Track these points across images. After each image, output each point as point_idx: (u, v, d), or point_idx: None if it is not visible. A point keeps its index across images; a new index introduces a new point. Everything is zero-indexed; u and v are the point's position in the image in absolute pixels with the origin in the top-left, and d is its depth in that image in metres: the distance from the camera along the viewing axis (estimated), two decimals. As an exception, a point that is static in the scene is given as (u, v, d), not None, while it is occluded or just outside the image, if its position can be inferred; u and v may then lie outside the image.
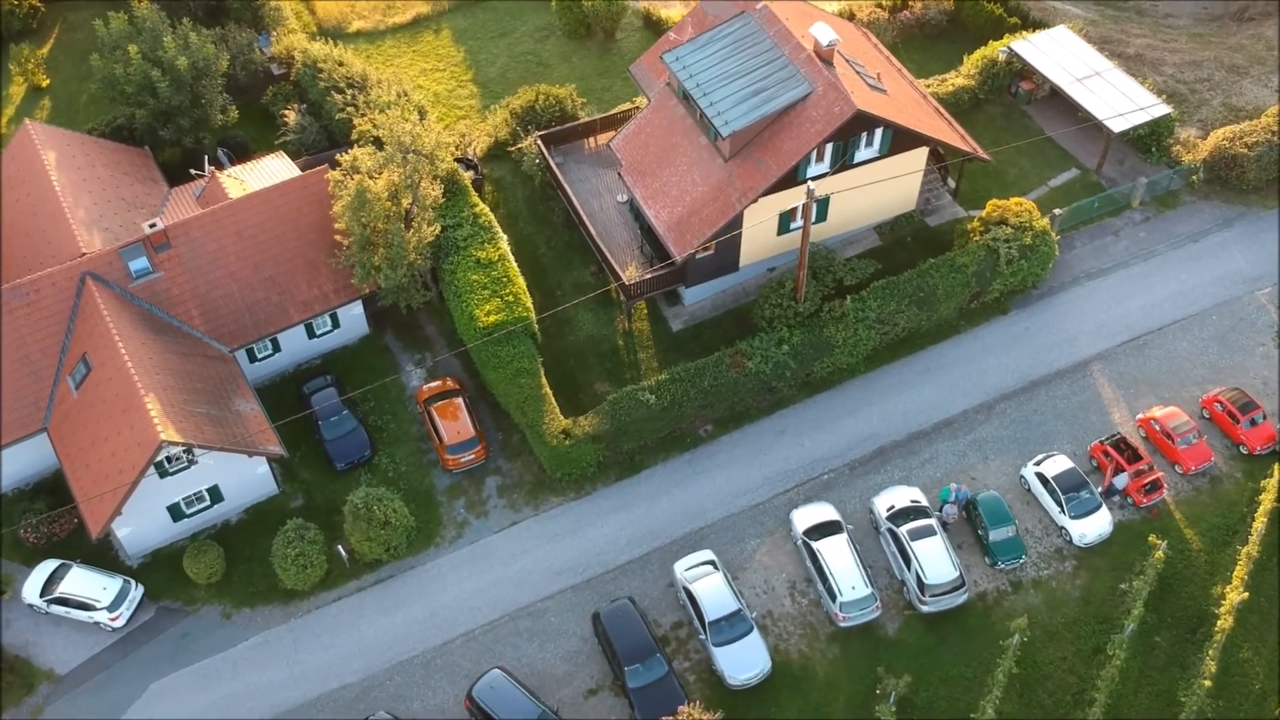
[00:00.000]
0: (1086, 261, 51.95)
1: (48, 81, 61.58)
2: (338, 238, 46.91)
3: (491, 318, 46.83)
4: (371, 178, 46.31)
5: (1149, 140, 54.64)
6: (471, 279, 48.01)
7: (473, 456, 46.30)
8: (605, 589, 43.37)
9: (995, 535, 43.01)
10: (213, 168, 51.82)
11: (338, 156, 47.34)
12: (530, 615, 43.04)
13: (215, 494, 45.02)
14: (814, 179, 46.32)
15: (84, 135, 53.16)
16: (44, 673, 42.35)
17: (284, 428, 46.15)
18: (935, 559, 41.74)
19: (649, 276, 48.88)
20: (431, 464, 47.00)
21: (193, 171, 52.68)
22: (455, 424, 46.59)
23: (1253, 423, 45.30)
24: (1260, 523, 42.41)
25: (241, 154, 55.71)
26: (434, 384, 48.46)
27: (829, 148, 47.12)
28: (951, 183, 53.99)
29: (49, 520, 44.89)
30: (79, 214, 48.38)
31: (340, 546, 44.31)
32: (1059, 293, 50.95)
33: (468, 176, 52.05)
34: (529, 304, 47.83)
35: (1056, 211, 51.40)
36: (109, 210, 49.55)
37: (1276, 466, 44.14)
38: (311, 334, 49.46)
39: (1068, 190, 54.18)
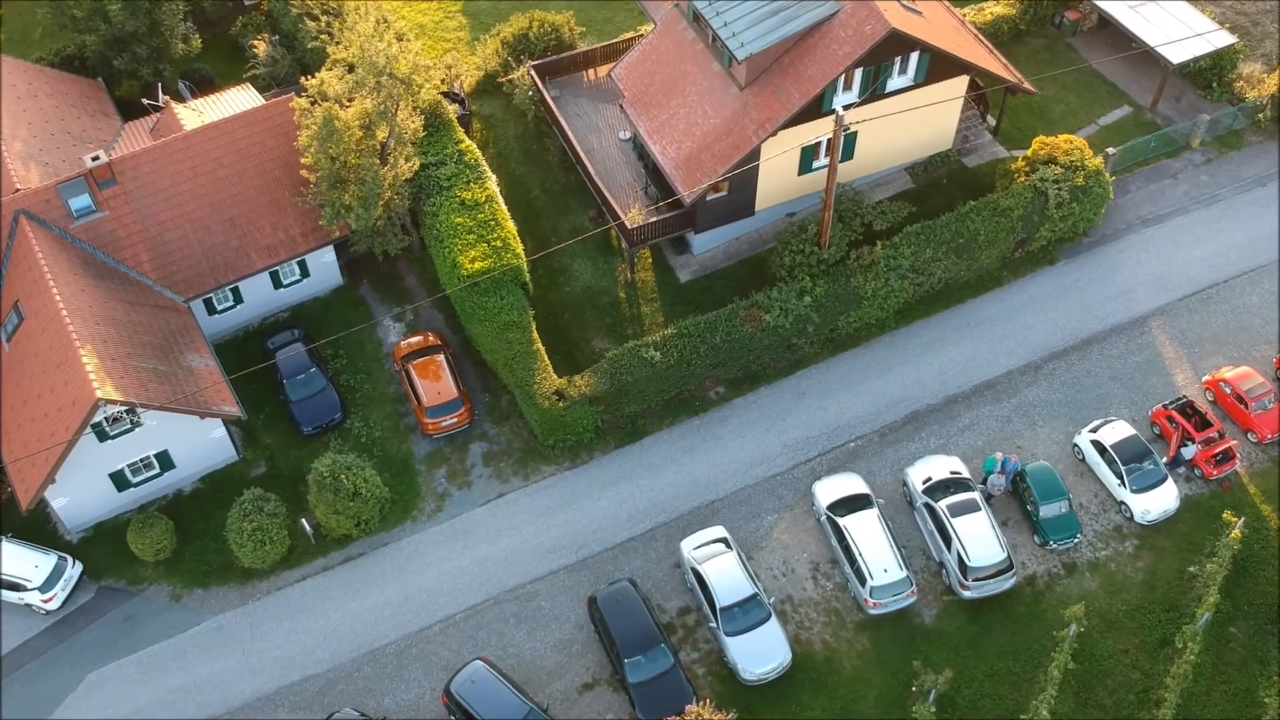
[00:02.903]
0: (1142, 207, 46.59)
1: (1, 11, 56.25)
2: (304, 173, 41.67)
3: (477, 264, 41.65)
4: (341, 105, 41.02)
5: (1209, 74, 49.25)
6: (455, 222, 42.81)
7: (455, 420, 41.23)
8: (603, 570, 38.38)
9: (1046, 511, 37.90)
10: (167, 98, 46.55)
11: (303, 80, 41.95)
12: (518, 599, 38.07)
13: (165, 460, 40.02)
14: (842, 110, 40.87)
15: (27, 64, 47.97)
16: (-32, 661, 37.54)
17: (246, 388, 41.30)
18: (979, 538, 36.65)
19: (654, 220, 43.61)
20: (410, 429, 41.96)
21: (145, 102, 47.49)
22: (436, 384, 41.51)
23: (1337, 385, 40.11)
24: (1351, 498, 37.26)
25: (206, 88, 50.44)
26: (413, 339, 43.34)
27: (858, 74, 41.72)
28: (991, 120, 48.59)
29: (-22, 489, 39.95)
30: (15, 146, 43.30)
31: (304, 520, 39.33)
32: (1112, 241, 45.64)
33: (453, 110, 46.76)
34: (520, 250, 42.64)
35: (1109, 151, 46.06)
36: (51, 144, 44.40)
37: (1367, 434, 38.90)
38: (278, 283, 44.34)
39: (1119, 129, 48.81)
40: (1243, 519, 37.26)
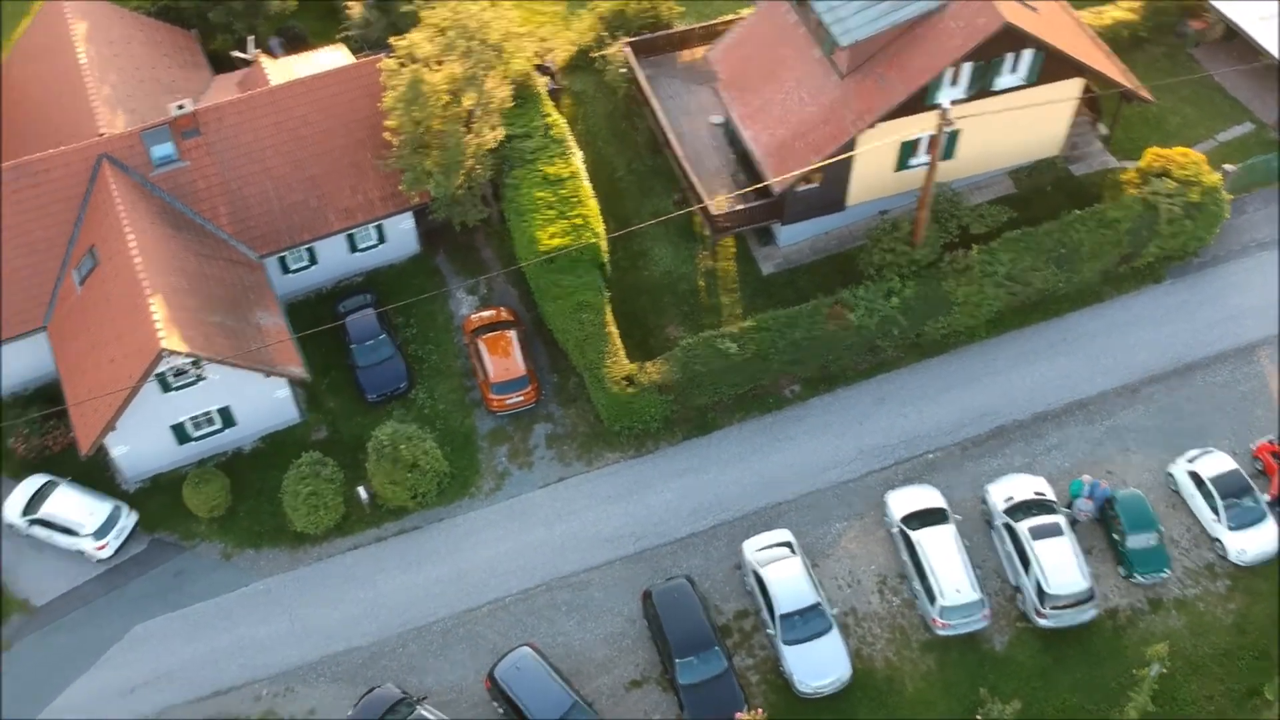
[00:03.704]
0: (1260, 229, 43.87)
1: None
2: (387, 136, 40.81)
3: (555, 240, 40.46)
4: (429, 68, 40.09)
5: (1342, 94, 46.32)
6: (537, 196, 41.65)
7: (521, 398, 40.13)
8: (661, 564, 37.04)
9: (1134, 542, 35.71)
10: (258, 51, 46.06)
11: (392, 40, 41.10)
12: (571, 587, 36.87)
13: (227, 417, 39.48)
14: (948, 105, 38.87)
15: (123, 10, 47.68)
16: (18, 602, 37.35)
17: (313, 350, 40.64)
18: (1060, 564, 34.59)
19: (740, 208, 42.05)
20: (474, 404, 40.96)
21: (235, 55, 47.05)
22: (504, 360, 40.43)
23: None
24: None
25: (298, 46, 49.95)
26: (485, 313, 42.33)
27: (967, 68, 39.73)
28: (1104, 128, 46.15)
29: (41, 431, 39.73)
30: (104, 91, 43.01)
31: (361, 488, 38.50)
32: (1224, 263, 43.04)
33: (543, 83, 45.62)
34: (600, 230, 41.37)
35: (1228, 168, 43.44)
36: (139, 91, 44.13)
37: None
38: (354, 247, 43.60)
39: (1239, 146, 46.00)
40: (1349, 568, 34.74)
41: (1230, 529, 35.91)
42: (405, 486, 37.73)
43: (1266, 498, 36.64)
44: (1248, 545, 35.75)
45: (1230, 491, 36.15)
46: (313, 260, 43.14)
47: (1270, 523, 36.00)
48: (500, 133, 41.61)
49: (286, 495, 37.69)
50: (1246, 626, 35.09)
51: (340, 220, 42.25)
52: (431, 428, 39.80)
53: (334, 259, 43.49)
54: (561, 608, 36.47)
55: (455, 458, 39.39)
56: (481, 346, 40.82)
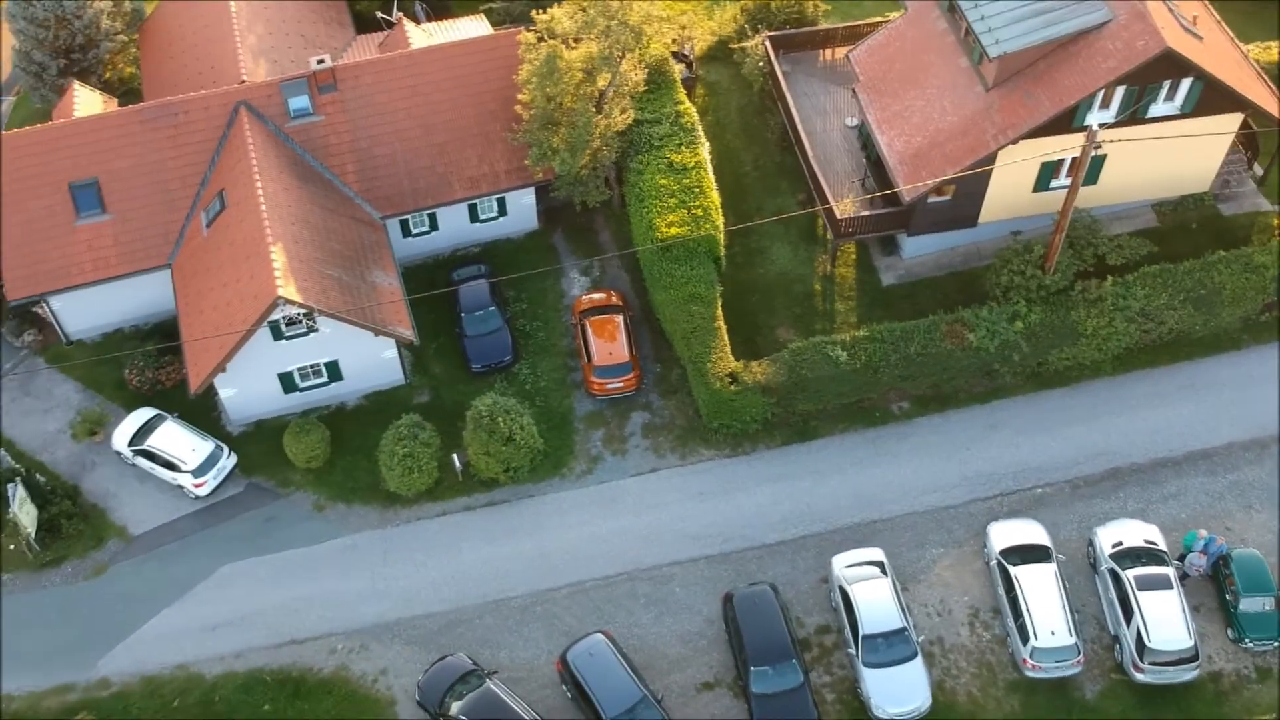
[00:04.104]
0: None
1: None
2: (518, 110, 40.75)
3: (673, 230, 39.92)
4: (567, 45, 39.89)
5: None
6: (660, 183, 41.16)
7: (622, 384, 39.73)
8: (745, 568, 36.28)
9: (1247, 605, 33.77)
10: (401, 14, 46.46)
11: (534, 14, 40.98)
12: (652, 579, 36.35)
13: (334, 371, 39.90)
14: (1097, 126, 37.20)
15: (278, -36, 48.58)
16: (117, 528, 38.28)
17: (424, 315, 40.94)
18: (1166, 618, 32.87)
19: (866, 215, 40.96)
20: (575, 385, 40.69)
21: (379, 15, 47.57)
22: (610, 344, 40.07)
23: None
24: None
25: (442, 14, 50.34)
26: (595, 296, 42.02)
27: (1120, 91, 37.99)
28: (1259, 168, 43.79)
29: (156, 365, 40.70)
30: (249, 40, 43.91)
31: (456, 456, 38.54)
32: (1379, 323, 40.52)
33: (679, 70, 45.11)
34: (719, 222, 40.70)
35: (1393, 222, 40.84)
36: (283, 43, 44.94)
37: None
38: (474, 217, 43.70)
39: None
40: None
41: (1355, 604, 33.74)
42: (499, 459, 37.64)
43: (1399, 576, 34.32)
44: (1372, 624, 33.54)
45: (1359, 564, 33.97)
46: (433, 226, 43.36)
47: (1400, 603, 33.71)
48: (630, 116, 41.24)
49: (383, 454, 37.90)
50: (1361, 709, 32.92)
51: (464, 189, 42.36)
52: (531, 404, 39.66)
53: (454, 227, 43.65)
54: (640, 599, 35.99)
55: (551, 436, 39.18)
56: (588, 328, 40.53)
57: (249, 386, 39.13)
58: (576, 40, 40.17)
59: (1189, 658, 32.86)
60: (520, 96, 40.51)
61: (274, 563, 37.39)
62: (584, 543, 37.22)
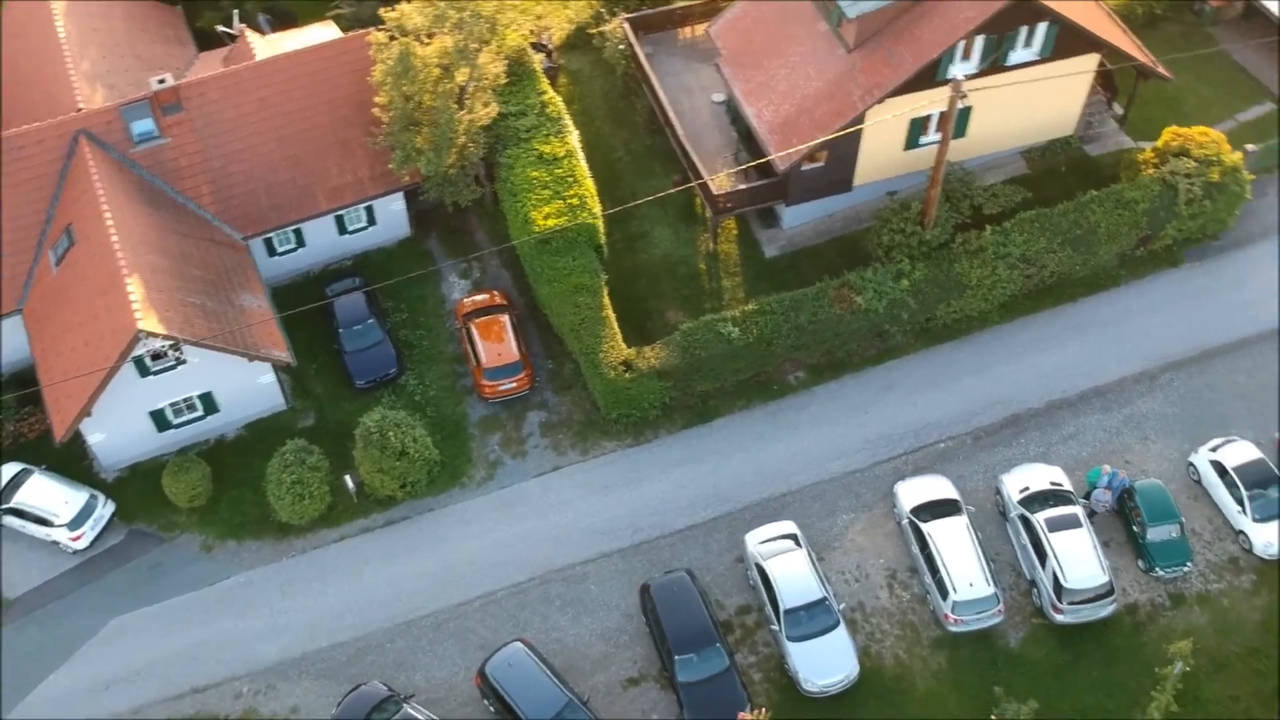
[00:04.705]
0: (1281, 212, 42.36)
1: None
2: (377, 112, 39.26)
3: (550, 221, 38.89)
4: (420, 41, 38.56)
5: (1366, 74, 44.72)
6: (531, 176, 40.09)
7: (514, 385, 38.58)
8: (659, 557, 35.47)
9: (1155, 534, 34.13)
10: (243, 26, 44.52)
11: (382, 12, 39.52)
12: (565, 580, 35.31)
13: (209, 403, 37.96)
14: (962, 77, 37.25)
15: (106, -16, 46.17)
16: (-10, 595, 35.82)
17: (300, 335, 39.29)
18: (1079, 557, 33.03)
19: (742, 188, 40.50)
20: (466, 390, 39.41)
21: (219, 29, 45.55)
22: (497, 345, 38.89)
23: None
24: None
25: (287, 24, 48.37)
26: (478, 297, 40.80)
27: (979, 41, 38.18)
28: (1119, 108, 44.56)
29: (16, 417, 38.23)
30: (83, 66, 41.55)
31: (348, 477, 36.94)
32: (1245, 246, 41.46)
33: (539, 60, 44.07)
34: (597, 210, 39.83)
35: (1249, 148, 41.86)
36: (119, 66, 42.64)
37: None
38: (343, 229, 42.06)
39: (1259, 126, 44.38)
40: (1382, 562, 33.11)
41: (1256, 521, 34.33)
42: (394, 475, 36.20)
43: (1293, 488, 35.07)
44: (1274, 538, 34.16)
45: (1256, 482, 34.58)
46: (300, 242, 41.61)
47: (1298, 515, 34.43)
48: (494, 109, 40.10)
49: (270, 484, 36.16)
50: (1273, 624, 33.51)
51: (328, 200, 40.73)
52: (422, 415, 38.27)
53: (322, 241, 41.96)
54: (555, 602, 34.92)
55: (446, 446, 37.86)
56: (474, 331, 39.30)
57: (119, 429, 36.98)
58: (430, 36, 38.88)
59: (1105, 593, 33.07)
60: (377, 99, 39.06)
61: (165, 611, 35.39)
62: (491, 551, 36.00)
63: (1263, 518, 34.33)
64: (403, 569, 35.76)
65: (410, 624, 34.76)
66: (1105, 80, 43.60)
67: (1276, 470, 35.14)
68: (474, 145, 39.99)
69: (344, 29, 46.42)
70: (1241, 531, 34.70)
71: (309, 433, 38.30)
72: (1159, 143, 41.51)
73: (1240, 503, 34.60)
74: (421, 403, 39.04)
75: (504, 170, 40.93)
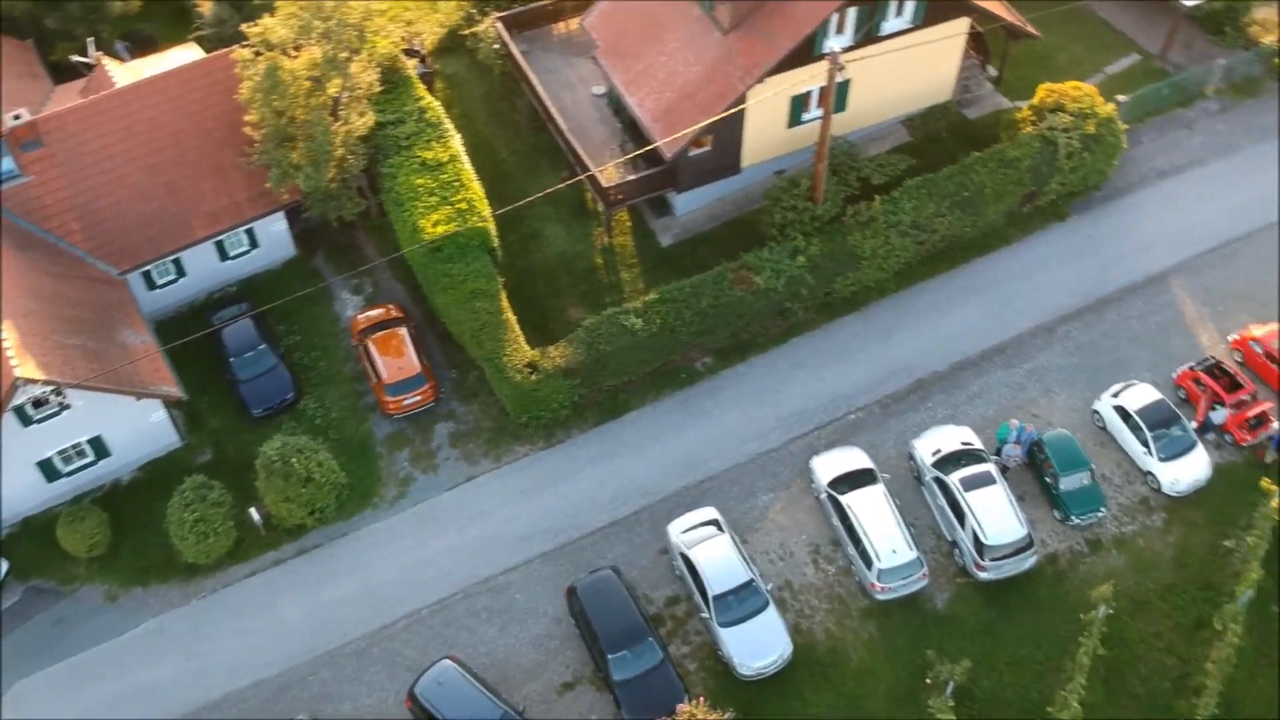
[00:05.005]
0: (1156, 159, 43.40)
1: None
2: (248, 131, 38.00)
3: (440, 228, 38.08)
4: (287, 54, 37.41)
5: (1222, 18, 46.04)
6: (416, 184, 39.23)
7: (419, 398, 37.67)
8: (583, 557, 34.92)
9: (1067, 483, 34.63)
10: (99, 54, 42.78)
11: (244, 28, 38.27)
12: (490, 591, 34.56)
13: (99, 447, 36.36)
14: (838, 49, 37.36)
15: (-52, 23, 44.04)
16: (-122, 672, 33.77)
17: (190, 368, 37.82)
18: (996, 513, 33.35)
19: (632, 179, 40.14)
20: (369, 408, 38.38)
21: (75, 59, 43.72)
22: (397, 359, 37.94)
23: (1377, 341, 36.98)
24: (1400, 462, 34.08)
25: (147, 49, 46.69)
26: (372, 312, 39.77)
27: (852, 13, 38.38)
28: (993, 70, 45.28)
29: (-108, 483, 36.11)
30: (-71, 108, 39.34)
31: (254, 510, 35.66)
32: (1126, 195, 42.44)
33: (413, 66, 43.16)
34: (486, 213, 39.10)
35: (1120, 98, 42.84)
36: (-30, 106, 40.48)
37: None
38: (224, 255, 40.64)
39: (1128, 77, 45.56)
40: (1282, 487, 34.03)
41: (1161, 460, 35.06)
42: (301, 503, 35.05)
43: (1194, 425, 35.87)
44: (1181, 475, 34.93)
45: (1158, 422, 35.31)
46: (180, 273, 40.10)
47: (1200, 450, 35.24)
48: (370, 119, 39.15)
49: (172, 525, 34.73)
50: (1187, 559, 34.25)
51: (205, 227, 39.31)
52: (325, 438, 37.17)
53: (204, 269, 40.49)
54: (481, 615, 34.15)
55: (353, 467, 36.79)
56: (371, 347, 38.29)
57: (5, 483, 35.16)
58: (297, 48, 37.75)
59: (1025, 546, 33.44)
60: (247, 117, 37.81)
61: (73, 668, 33.78)
62: (411, 570, 35.09)
63: (1168, 456, 35.06)
64: (321, 598, 34.65)
65: (333, 653, 33.69)
66: (977, 43, 44.29)
67: (1177, 409, 35.91)
68: (353, 157, 38.98)
69: (207, 50, 44.94)
70: (1149, 472, 35.42)
71: (208, 468, 36.91)
72: (1034, 100, 42.23)
73: (1145, 444, 35.30)
74: (323, 426, 37.92)
75: (387, 180, 39.98)
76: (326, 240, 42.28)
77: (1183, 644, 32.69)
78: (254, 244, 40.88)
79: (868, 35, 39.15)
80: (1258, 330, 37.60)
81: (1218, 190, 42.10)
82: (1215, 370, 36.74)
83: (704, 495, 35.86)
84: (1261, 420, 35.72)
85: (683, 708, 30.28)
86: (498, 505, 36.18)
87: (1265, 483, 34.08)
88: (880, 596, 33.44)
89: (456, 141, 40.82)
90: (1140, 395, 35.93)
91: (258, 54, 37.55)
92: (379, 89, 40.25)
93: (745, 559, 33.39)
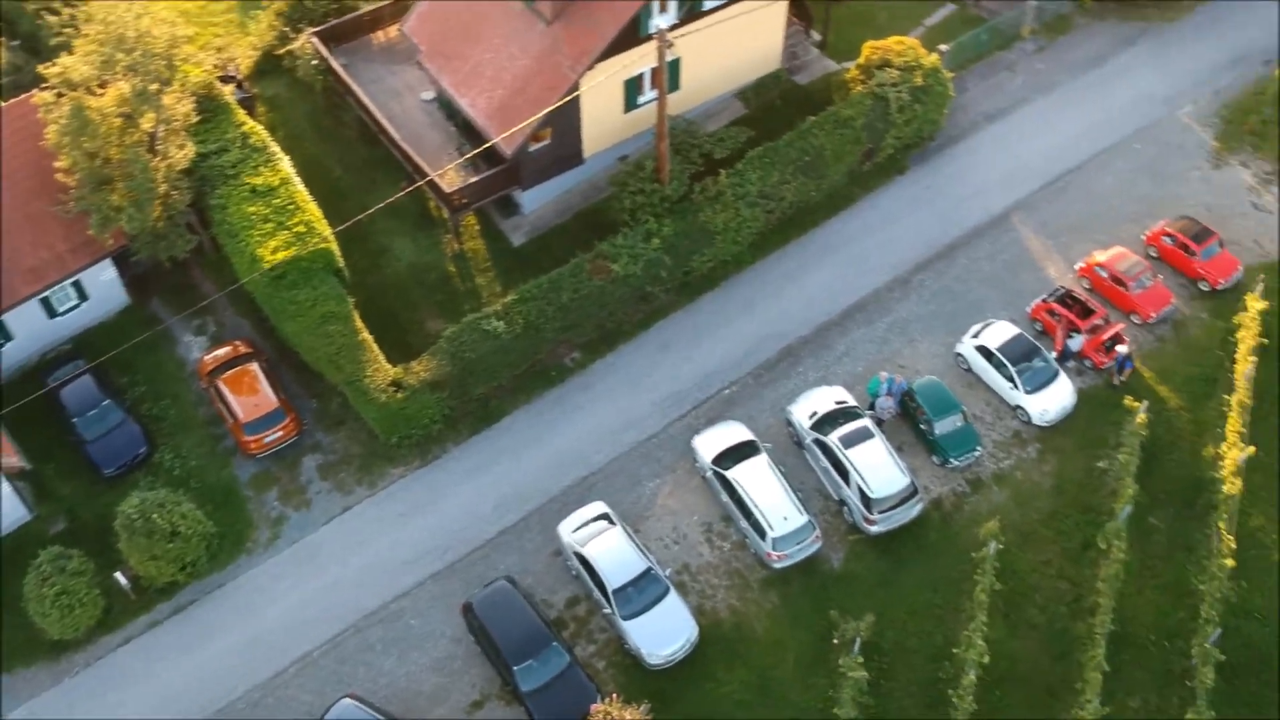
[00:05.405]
0: (982, 103, 44.52)
1: None
2: (61, 178, 35.84)
3: (280, 255, 36.56)
4: (92, 92, 35.39)
5: (1026, -38, 47.48)
6: (249, 211, 37.63)
7: (280, 433, 36.09)
8: (475, 572, 33.97)
9: (941, 427, 35.15)
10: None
11: (40, 69, 36.03)
12: (383, 621, 33.33)
13: (-61, 533, 33.80)
14: (665, 26, 37.15)
15: None
16: None
17: (30, 435, 35.84)
18: (878, 466, 33.63)
19: (475, 181, 39.24)
20: (230, 451, 36.62)
21: None
22: (253, 397, 36.27)
23: (1210, 253, 38.50)
24: (1246, 364, 35.51)
25: (-63, 107, 43.68)
26: (220, 351, 37.93)
27: (673, -9, 38.24)
28: (816, 34, 45.79)
29: None
30: None
31: (119, 574, 33.62)
32: (959, 142, 43.42)
33: (230, 91, 41.37)
34: (327, 232, 37.68)
35: (943, 48, 43.77)
36: None
37: (1248, 296, 37.30)
38: (52, 311, 38.30)
39: (946, 27, 46.63)
40: (1145, 403, 35.11)
41: (1028, 393, 35.86)
42: (170, 559, 33.18)
43: (1053, 355, 36.81)
44: (1048, 405, 35.79)
45: (1020, 356, 36.11)
46: (6, 336, 37.60)
47: (1063, 379, 36.18)
48: (191, 150, 37.37)
49: (32, 602, 32.48)
50: (1064, 485, 35.11)
51: (28, 284, 36.94)
52: (186, 488, 35.28)
53: (31, 329, 38.05)
54: (376, 646, 32.89)
55: (220, 515, 35.03)
56: (223, 387, 36.53)
57: None
58: (102, 85, 35.75)
59: (910, 495, 33.79)
60: (58, 163, 35.67)
61: (-62, 774, 31.33)
62: (296, 611, 33.58)
63: (1033, 388, 35.89)
64: (204, 655, 32.88)
65: (223, 710, 32.02)
66: (799, 10, 44.73)
67: (1036, 342, 36.79)
68: (178, 192, 37.16)
69: (4, 98, 42.28)
70: (1018, 406, 36.20)
71: (63, 538, 34.65)
72: (861, 59, 42.79)
73: (1010, 379, 36.06)
74: (183, 476, 36.03)
75: (217, 212, 38.25)
76: (161, 283, 40.22)
77: (1072, 567, 33.48)
78: (83, 296, 38.62)
79: (691, 11, 39.04)
80: (1100, 256, 38.82)
81: (1044, 127, 43.41)
82: (1067, 299, 37.78)
83: (590, 491, 35.25)
84: (1116, 341, 36.83)
85: (596, 708, 29.70)
86: (378, 532, 34.92)
87: (1129, 401, 35.18)
88: (777, 565, 33.36)
89: (286, 164, 39.28)
90: (999, 333, 36.69)
91: (60, 95, 35.42)
92: (196, 119, 38.46)
93: (640, 548, 32.91)
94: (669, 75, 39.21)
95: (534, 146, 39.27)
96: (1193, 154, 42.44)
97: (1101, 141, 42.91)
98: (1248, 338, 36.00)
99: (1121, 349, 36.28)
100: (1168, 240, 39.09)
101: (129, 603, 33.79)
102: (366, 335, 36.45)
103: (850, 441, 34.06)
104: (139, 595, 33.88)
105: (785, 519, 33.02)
